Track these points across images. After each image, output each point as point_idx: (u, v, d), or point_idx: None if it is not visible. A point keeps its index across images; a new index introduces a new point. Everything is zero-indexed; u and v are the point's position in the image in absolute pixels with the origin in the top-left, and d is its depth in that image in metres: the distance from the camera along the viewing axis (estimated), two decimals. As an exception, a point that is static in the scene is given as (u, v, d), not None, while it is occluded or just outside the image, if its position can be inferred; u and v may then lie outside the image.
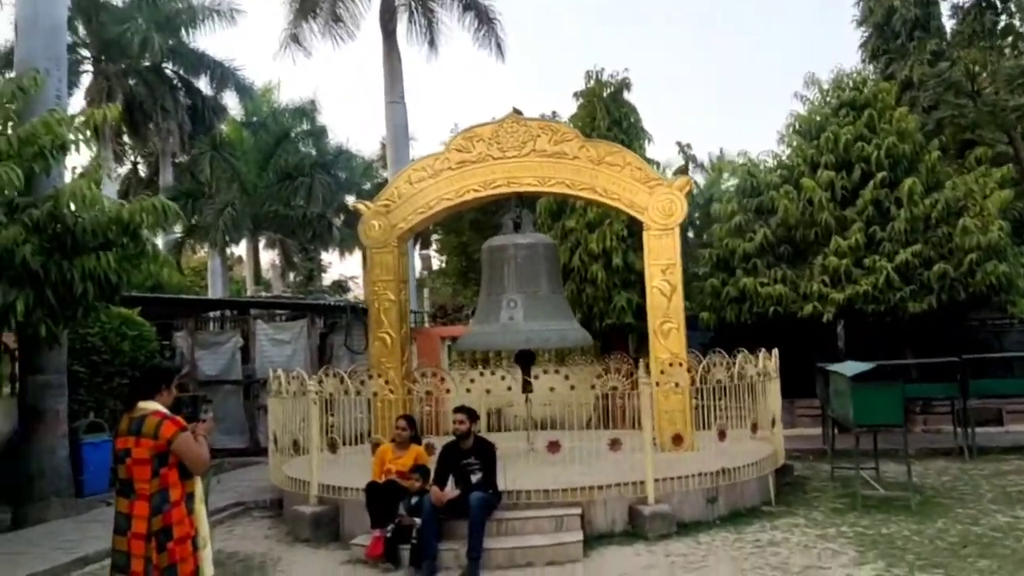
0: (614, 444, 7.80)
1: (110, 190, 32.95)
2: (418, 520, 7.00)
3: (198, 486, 4.79)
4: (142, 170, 38.40)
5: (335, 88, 72.02)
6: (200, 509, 4.81)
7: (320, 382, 8.40)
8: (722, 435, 8.26)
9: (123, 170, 38.33)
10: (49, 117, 7.62)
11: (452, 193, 10.62)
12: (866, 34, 17.92)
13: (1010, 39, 15.55)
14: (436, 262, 26.71)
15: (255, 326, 14.01)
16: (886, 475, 9.79)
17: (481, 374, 9.28)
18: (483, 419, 11.18)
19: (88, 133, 8.26)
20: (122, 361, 11.86)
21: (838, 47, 60.65)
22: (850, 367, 9.05)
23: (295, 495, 8.56)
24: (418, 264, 24.69)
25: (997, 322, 14.41)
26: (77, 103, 29.93)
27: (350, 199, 31.39)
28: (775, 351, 9.37)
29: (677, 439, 8.02)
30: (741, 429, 9.03)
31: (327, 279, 42.45)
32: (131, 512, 4.46)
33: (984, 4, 15.14)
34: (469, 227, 23.01)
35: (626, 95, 15.16)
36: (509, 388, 8.80)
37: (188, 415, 4.89)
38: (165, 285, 18.18)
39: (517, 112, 10.66)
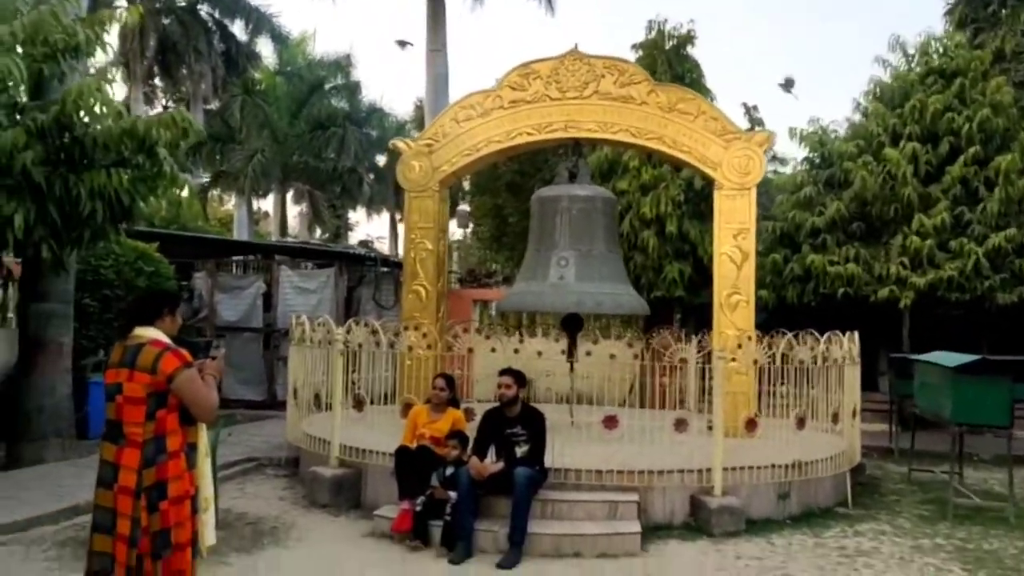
0: (679, 424, 6.82)
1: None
2: (453, 494, 6.08)
3: (203, 436, 3.88)
4: (173, 116, 37.76)
5: (371, 41, 70.68)
6: (204, 464, 3.91)
7: (348, 331, 7.49)
8: (801, 423, 7.24)
9: (153, 113, 37.86)
10: (59, 6, 6.64)
11: (502, 135, 9.60)
12: (951, 2, 16.54)
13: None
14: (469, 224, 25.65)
15: (279, 272, 13.10)
16: (967, 482, 8.75)
17: (531, 335, 8.33)
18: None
19: (104, 34, 7.29)
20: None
21: (916, 16, 56.93)
22: (948, 358, 7.98)
23: (314, 455, 7.68)
24: (452, 225, 23.67)
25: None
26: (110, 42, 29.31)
27: (381, 159, 30.48)
28: (855, 334, 8.30)
29: (751, 424, 7.04)
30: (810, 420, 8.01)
31: (354, 238, 41.67)
32: (119, 461, 3.57)
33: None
34: (505, 189, 21.93)
35: (690, 50, 14.00)
36: (562, 352, 7.83)
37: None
38: (189, 227, 17.42)
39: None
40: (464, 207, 19.10)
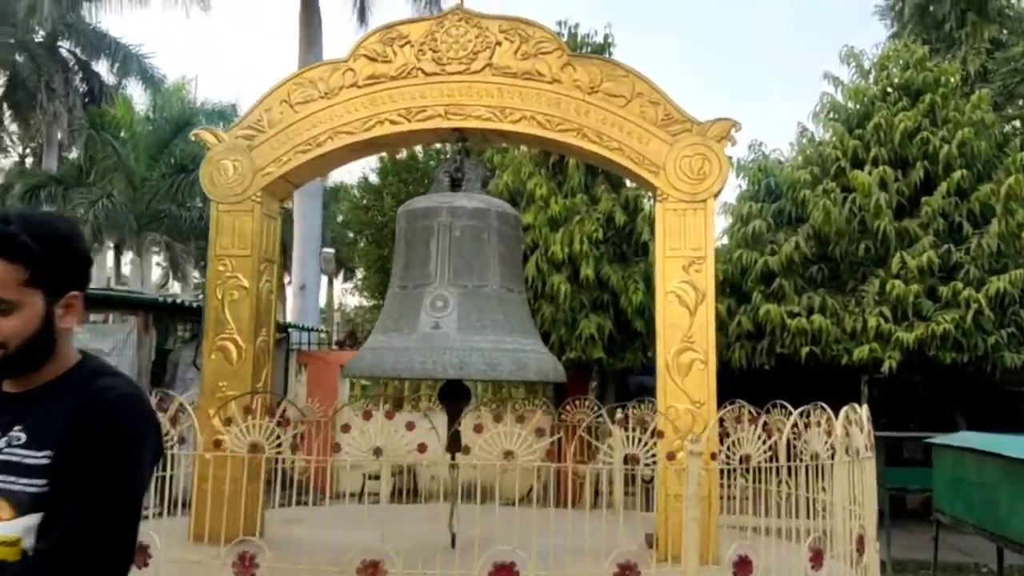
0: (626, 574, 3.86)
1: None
2: None
3: None
4: (30, 164, 34.17)
5: (259, 84, 67.67)
6: None
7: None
8: (817, 558, 4.39)
9: (7, 162, 34.32)
10: None
11: (356, 124, 6.66)
12: (890, 23, 14.90)
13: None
14: (355, 281, 22.59)
15: (60, 327, 9.64)
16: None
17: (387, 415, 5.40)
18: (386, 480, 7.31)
19: None
20: None
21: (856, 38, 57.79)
22: (997, 443, 5.41)
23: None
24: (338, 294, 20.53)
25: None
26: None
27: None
28: (863, 409, 5.63)
29: (744, 567, 4.18)
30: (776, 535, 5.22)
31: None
32: None
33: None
34: (391, 238, 19.10)
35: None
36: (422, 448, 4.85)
37: None
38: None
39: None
40: (328, 250, 16.00)
